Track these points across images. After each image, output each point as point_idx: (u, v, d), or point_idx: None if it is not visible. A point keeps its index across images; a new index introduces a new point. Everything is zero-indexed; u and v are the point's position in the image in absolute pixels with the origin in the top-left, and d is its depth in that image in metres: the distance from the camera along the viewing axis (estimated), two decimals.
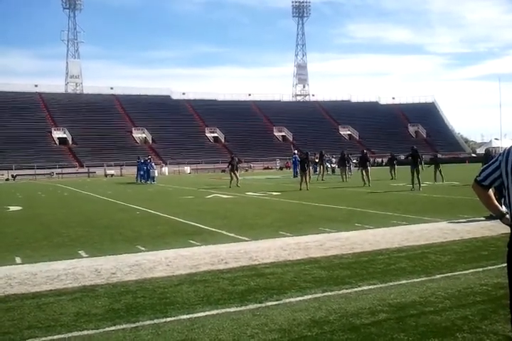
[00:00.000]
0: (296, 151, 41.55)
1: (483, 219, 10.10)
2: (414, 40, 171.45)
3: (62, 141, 64.22)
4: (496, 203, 3.42)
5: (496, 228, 8.65)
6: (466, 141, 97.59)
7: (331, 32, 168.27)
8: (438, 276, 5.90)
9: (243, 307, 4.90)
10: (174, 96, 79.06)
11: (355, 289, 5.44)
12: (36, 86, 73.27)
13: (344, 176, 27.60)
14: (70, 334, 4.31)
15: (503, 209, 3.37)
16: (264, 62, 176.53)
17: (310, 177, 22.19)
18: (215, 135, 72.31)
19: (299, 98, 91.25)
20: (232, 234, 9.52)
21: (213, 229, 10.26)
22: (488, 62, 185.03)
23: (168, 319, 4.62)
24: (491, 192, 3.40)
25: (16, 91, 69.94)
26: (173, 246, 8.34)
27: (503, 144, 65.82)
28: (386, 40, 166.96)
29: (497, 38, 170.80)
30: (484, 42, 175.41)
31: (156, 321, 4.57)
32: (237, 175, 24.59)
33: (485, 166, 3.40)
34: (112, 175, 51.09)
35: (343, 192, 18.60)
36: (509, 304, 3.70)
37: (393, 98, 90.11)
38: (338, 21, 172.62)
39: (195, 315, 4.70)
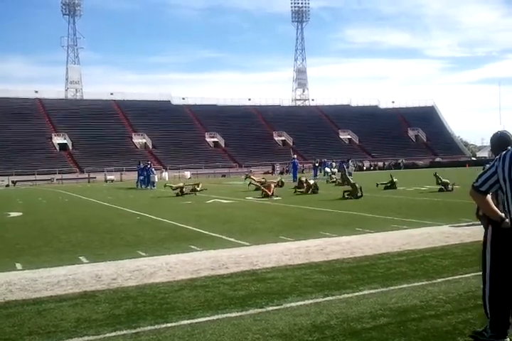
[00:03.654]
0: (295, 156, 41.63)
1: None
2: (413, 44, 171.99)
3: (63, 146, 64.23)
4: (495, 208, 3.42)
5: None
6: (466, 144, 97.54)
7: (329, 37, 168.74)
8: (439, 280, 5.89)
9: (244, 313, 4.89)
10: (174, 102, 79.12)
11: (356, 293, 5.43)
12: (36, 92, 73.33)
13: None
14: None
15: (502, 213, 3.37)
16: (263, 67, 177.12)
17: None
18: (215, 140, 72.33)
19: (298, 102, 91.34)
20: (232, 239, 9.51)
21: (214, 234, 10.25)
22: (487, 66, 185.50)
23: (169, 324, 4.61)
24: (489, 197, 3.40)
25: (16, 97, 70.00)
26: (174, 252, 8.33)
27: None
28: (384, 45, 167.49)
29: (495, 41, 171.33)
30: (482, 46, 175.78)
31: (156, 327, 4.56)
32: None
33: (482, 172, 3.40)
34: (112, 180, 51.04)
35: (341, 196, 18.55)
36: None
37: (393, 102, 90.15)
38: (336, 26, 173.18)
39: (196, 321, 4.69)
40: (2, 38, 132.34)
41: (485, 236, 3.94)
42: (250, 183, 24.08)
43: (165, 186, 23.73)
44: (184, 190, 23.14)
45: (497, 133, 4.09)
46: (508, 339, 3.87)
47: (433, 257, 7.21)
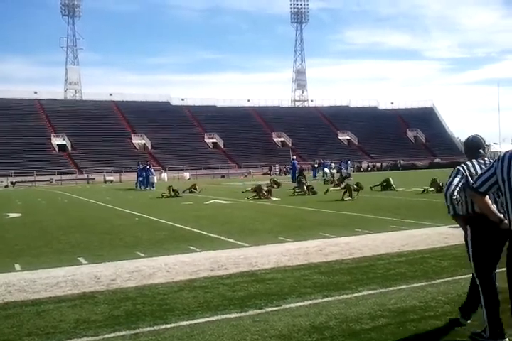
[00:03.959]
0: (294, 157, 41.65)
1: None
2: (412, 46, 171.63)
3: (62, 147, 64.18)
4: (494, 209, 3.44)
5: None
6: None
7: (329, 38, 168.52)
8: (438, 281, 5.90)
9: (243, 313, 4.89)
10: (173, 102, 79.09)
11: (355, 294, 5.43)
12: (35, 93, 73.23)
13: None
14: None
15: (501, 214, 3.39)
16: (263, 68, 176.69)
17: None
18: (215, 141, 72.30)
19: (298, 103, 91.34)
20: (231, 240, 9.51)
21: (213, 235, 10.25)
22: (486, 67, 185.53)
23: (168, 325, 4.62)
24: (487, 198, 3.42)
25: (15, 98, 69.90)
26: (173, 252, 8.33)
27: (502, 149, 65.93)
28: (384, 46, 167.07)
29: (495, 42, 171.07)
30: (482, 47, 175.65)
31: (155, 327, 4.57)
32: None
33: (481, 173, 3.42)
34: (112, 181, 50.96)
35: (340, 198, 18.57)
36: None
37: (392, 103, 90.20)
38: (335, 27, 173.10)
39: (195, 321, 4.69)
40: (1, 38, 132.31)
41: (465, 238, 4.18)
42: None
43: (162, 196, 23.30)
44: (175, 188, 23.33)
45: (469, 137, 4.37)
46: (507, 339, 3.93)
47: (432, 258, 7.22)
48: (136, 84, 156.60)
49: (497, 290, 4.01)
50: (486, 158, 4.22)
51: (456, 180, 4.10)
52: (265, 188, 21.03)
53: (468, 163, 4.22)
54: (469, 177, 4.05)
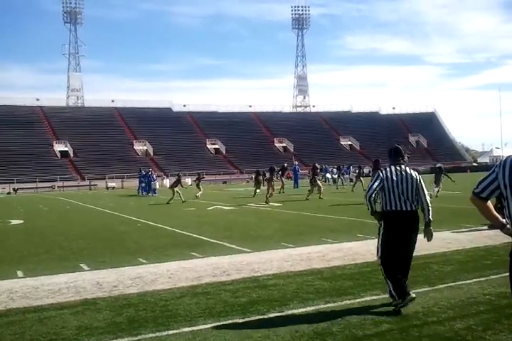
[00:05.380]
0: (296, 162, 41.63)
1: (486, 228, 10.07)
2: (412, 51, 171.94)
3: (64, 153, 64.30)
4: (496, 214, 3.43)
5: (499, 237, 8.62)
6: (467, 150, 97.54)
7: (329, 43, 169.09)
8: (441, 286, 5.88)
9: (245, 319, 4.88)
10: (175, 109, 79.21)
11: (358, 300, 5.42)
12: (38, 99, 73.42)
13: None
14: None
15: (504, 219, 3.38)
16: (264, 74, 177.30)
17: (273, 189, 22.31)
18: (216, 146, 72.37)
19: (299, 109, 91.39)
20: (233, 246, 9.50)
21: (215, 241, 10.24)
22: (486, 72, 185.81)
23: (171, 332, 4.61)
24: (489, 203, 3.41)
25: (18, 105, 70.12)
26: (175, 259, 8.33)
27: (504, 153, 65.85)
28: (384, 51, 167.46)
29: (494, 48, 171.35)
30: (482, 53, 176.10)
31: (158, 334, 4.56)
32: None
33: (482, 178, 3.41)
34: (114, 187, 50.99)
35: (342, 203, 18.58)
36: None
37: (393, 108, 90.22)
38: (336, 33, 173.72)
39: (198, 328, 4.68)
40: (3, 45, 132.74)
41: (379, 228, 5.22)
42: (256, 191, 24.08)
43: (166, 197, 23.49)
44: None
45: (393, 146, 5.42)
46: (413, 294, 4.91)
47: (434, 263, 7.20)
48: (137, 90, 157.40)
49: (396, 267, 5.03)
50: (402, 166, 5.14)
51: (376, 184, 4.97)
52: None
53: (387, 168, 5.10)
54: (385, 180, 4.97)
